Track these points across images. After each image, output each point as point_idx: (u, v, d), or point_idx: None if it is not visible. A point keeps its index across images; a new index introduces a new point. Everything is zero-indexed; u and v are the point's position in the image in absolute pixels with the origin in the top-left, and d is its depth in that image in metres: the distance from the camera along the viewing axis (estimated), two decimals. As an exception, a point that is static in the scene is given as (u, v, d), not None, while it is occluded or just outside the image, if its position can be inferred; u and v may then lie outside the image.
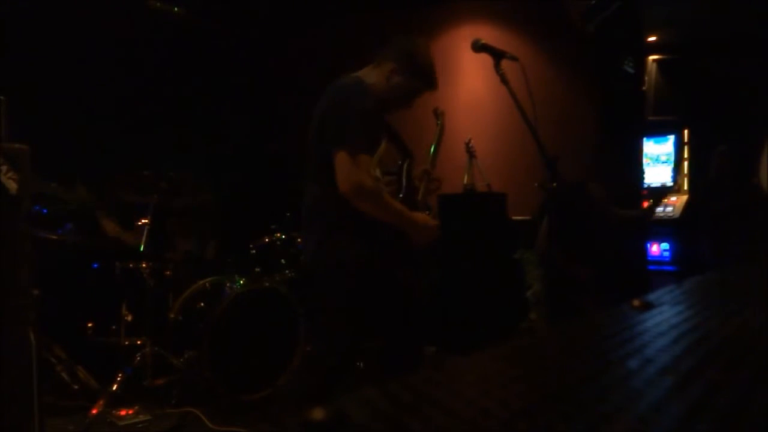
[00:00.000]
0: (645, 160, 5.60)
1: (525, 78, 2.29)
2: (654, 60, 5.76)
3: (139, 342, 3.09)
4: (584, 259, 3.07)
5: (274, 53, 5.75)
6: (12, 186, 1.81)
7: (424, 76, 2.36)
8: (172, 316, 3.25)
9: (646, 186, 5.41)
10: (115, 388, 2.86)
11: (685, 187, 5.48)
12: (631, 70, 5.12)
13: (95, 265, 3.35)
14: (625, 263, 3.41)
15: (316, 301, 2.38)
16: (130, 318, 3.15)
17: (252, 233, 3.65)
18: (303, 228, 2.25)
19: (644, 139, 5.52)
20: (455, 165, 4.56)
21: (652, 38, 5.58)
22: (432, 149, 2.69)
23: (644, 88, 5.58)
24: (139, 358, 3.00)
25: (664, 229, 5.32)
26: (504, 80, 2.31)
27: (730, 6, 4.87)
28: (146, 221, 3.19)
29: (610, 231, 3.22)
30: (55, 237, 3.23)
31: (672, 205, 5.38)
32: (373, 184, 2.06)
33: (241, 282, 3.25)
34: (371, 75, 2.32)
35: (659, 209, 5.43)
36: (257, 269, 3.41)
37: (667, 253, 5.37)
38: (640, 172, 5.19)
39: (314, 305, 2.42)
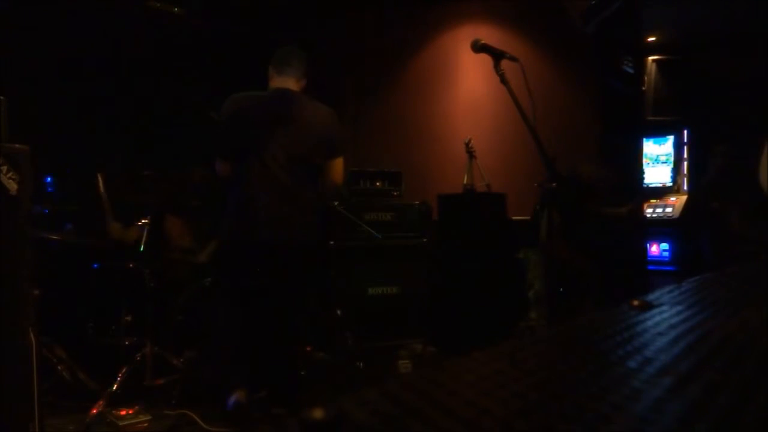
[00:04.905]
0: (645, 161, 5.60)
1: (525, 78, 2.29)
2: (654, 60, 5.76)
3: (139, 342, 3.09)
4: (586, 253, 3.08)
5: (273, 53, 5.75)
6: (12, 186, 1.81)
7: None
8: (172, 316, 3.25)
9: (645, 186, 5.42)
10: (115, 388, 2.86)
11: (685, 187, 5.49)
12: (630, 70, 5.13)
13: (95, 265, 3.35)
14: (624, 262, 3.41)
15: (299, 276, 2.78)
16: (130, 318, 3.15)
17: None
18: (291, 215, 2.68)
19: (644, 139, 5.52)
20: (455, 165, 4.56)
21: (652, 38, 5.58)
22: None
23: (644, 88, 5.58)
24: (139, 358, 3.00)
25: (664, 229, 5.32)
26: (504, 80, 2.31)
27: (729, 6, 4.87)
28: (146, 221, 3.19)
29: (608, 227, 3.23)
30: (55, 237, 3.23)
31: (672, 205, 5.38)
32: None
33: (241, 282, 3.24)
34: (297, 87, 2.82)
35: (658, 209, 5.44)
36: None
37: (666, 253, 5.37)
38: (640, 173, 5.19)
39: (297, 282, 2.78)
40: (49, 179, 3.79)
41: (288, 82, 2.79)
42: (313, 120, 2.73)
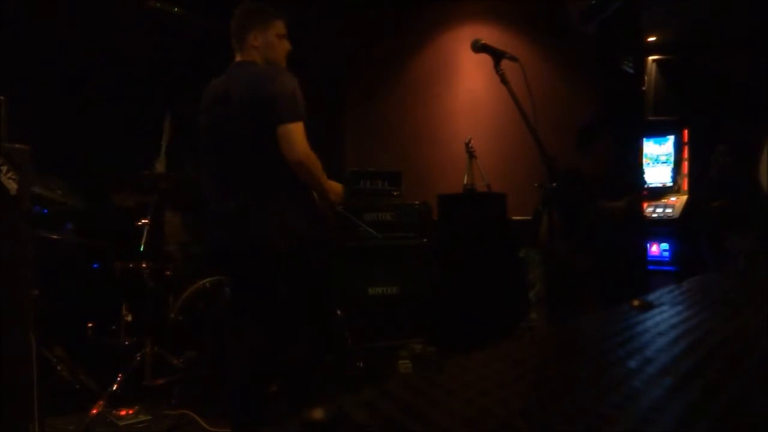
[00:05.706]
0: (645, 161, 5.60)
1: (525, 78, 2.29)
2: (654, 60, 5.76)
3: (139, 342, 3.09)
4: (585, 251, 3.08)
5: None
6: (12, 186, 1.81)
7: (277, 24, 2.46)
8: (172, 316, 3.25)
9: (646, 186, 5.41)
10: (115, 388, 2.86)
11: (685, 187, 5.48)
12: (630, 70, 5.12)
13: (95, 265, 3.35)
14: (624, 261, 3.41)
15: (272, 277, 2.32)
16: (130, 318, 3.15)
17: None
18: (242, 210, 2.23)
19: (644, 139, 5.52)
20: (455, 165, 4.56)
21: (652, 38, 5.58)
22: None
23: (644, 88, 5.58)
24: (139, 358, 3.00)
25: (664, 229, 5.32)
26: (504, 80, 2.32)
27: (729, 6, 4.87)
28: (146, 221, 3.19)
29: (605, 222, 3.23)
30: (55, 237, 3.23)
31: (672, 205, 5.38)
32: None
33: (241, 282, 3.24)
34: (255, 57, 2.38)
35: (658, 209, 5.44)
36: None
37: (666, 253, 5.37)
38: (640, 172, 5.18)
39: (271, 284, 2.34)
40: None
41: (246, 52, 2.38)
42: (249, 85, 2.23)
